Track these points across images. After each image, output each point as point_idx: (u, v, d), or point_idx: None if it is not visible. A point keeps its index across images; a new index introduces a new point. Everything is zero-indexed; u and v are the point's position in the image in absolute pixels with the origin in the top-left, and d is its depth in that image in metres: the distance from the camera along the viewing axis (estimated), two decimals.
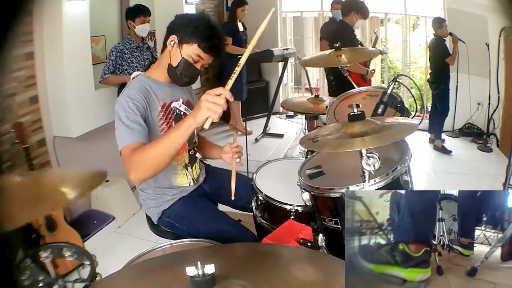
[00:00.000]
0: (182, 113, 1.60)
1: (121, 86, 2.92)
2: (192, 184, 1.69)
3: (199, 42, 1.44)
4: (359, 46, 3.45)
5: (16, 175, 1.00)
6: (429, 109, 4.78)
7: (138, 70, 2.93)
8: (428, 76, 4.31)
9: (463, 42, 4.02)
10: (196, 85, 2.13)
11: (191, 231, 1.59)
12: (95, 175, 1.05)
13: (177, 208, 1.63)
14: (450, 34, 3.98)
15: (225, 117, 4.66)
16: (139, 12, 2.92)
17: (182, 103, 1.62)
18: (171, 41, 1.47)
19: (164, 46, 1.53)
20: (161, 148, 1.25)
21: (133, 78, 1.56)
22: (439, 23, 3.98)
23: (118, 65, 2.89)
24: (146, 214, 1.78)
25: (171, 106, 1.57)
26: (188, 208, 1.64)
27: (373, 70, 3.98)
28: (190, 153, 1.68)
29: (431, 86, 4.25)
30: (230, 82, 1.19)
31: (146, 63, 3.02)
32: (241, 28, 4.46)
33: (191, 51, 1.46)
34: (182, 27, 1.46)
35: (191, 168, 1.69)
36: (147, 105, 1.47)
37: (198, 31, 1.44)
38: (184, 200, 1.66)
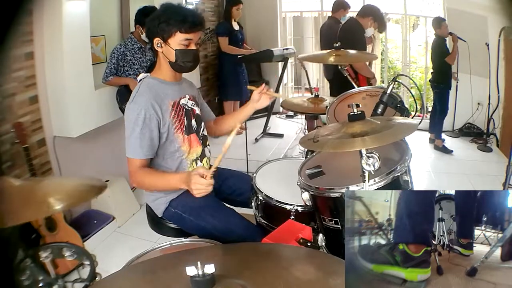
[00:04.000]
0: (190, 108, 1.68)
1: (122, 87, 2.91)
2: None
3: (178, 28, 1.49)
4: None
5: (14, 178, 0.99)
6: (429, 109, 4.78)
7: (139, 71, 2.94)
8: (429, 76, 4.30)
9: (464, 40, 4.01)
10: (196, 84, 2.14)
11: (198, 222, 1.62)
12: (90, 188, 1.05)
13: (186, 198, 1.65)
14: (450, 33, 3.98)
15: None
16: None
17: (189, 99, 1.69)
18: (157, 44, 1.54)
19: (155, 51, 1.60)
20: (158, 187, 1.59)
21: (139, 80, 1.61)
22: (438, 23, 3.98)
23: (120, 67, 2.88)
24: (148, 210, 1.78)
25: (180, 103, 1.64)
26: (197, 199, 1.65)
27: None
28: (203, 147, 1.73)
29: (432, 86, 4.25)
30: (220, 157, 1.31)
31: (148, 64, 3.00)
32: (236, 27, 4.46)
33: (178, 40, 1.51)
34: (156, 27, 1.52)
35: (201, 162, 1.73)
36: (159, 107, 1.53)
37: (170, 20, 1.49)
38: None
